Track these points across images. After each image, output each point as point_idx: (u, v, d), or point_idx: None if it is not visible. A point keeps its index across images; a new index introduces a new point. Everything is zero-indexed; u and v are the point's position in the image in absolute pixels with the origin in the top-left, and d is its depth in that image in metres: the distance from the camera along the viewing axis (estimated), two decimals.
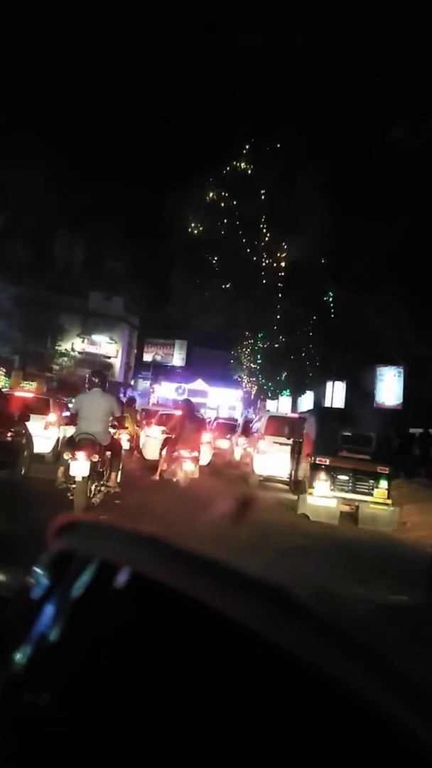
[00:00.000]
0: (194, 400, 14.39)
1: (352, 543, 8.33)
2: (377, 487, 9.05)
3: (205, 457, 13.37)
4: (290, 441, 11.39)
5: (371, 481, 9.08)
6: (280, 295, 17.50)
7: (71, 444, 6.68)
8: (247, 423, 18.17)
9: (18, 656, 0.53)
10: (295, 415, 14.68)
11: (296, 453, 10.39)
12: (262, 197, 16.65)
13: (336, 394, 20.65)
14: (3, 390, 11.43)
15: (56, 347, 36.93)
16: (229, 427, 22.35)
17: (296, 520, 9.19)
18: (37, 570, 0.60)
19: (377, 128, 15.52)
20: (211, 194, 16.94)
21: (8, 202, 25.41)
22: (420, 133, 14.38)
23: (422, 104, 14.74)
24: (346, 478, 9.08)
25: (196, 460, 10.23)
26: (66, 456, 6.49)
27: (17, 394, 12.12)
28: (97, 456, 6.47)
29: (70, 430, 7.66)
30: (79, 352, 39.02)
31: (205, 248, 17.73)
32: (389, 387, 18.23)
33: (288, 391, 23.82)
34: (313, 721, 0.42)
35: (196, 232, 17.61)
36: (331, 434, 9.43)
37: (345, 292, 17.54)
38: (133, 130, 52.10)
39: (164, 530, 0.55)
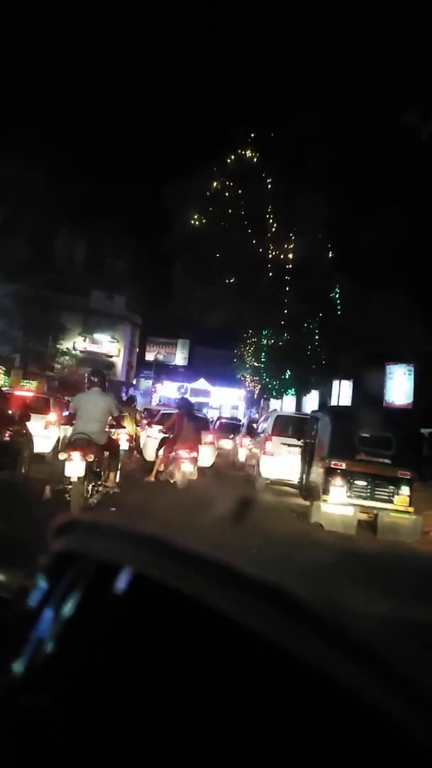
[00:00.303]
0: (196, 399, 13.62)
1: (373, 557, 7.42)
2: (398, 494, 8.12)
3: (208, 459, 12.63)
4: (300, 442, 10.46)
5: (391, 487, 8.15)
6: (287, 288, 16.53)
7: (68, 444, 6.53)
8: (252, 423, 17.41)
9: (18, 658, 0.52)
10: (305, 415, 13.76)
11: (308, 455, 9.45)
12: (269, 186, 15.71)
13: (342, 393, 19.80)
14: (2, 389, 10.91)
15: (57, 346, 36.17)
16: (231, 427, 21.66)
17: (309, 529, 8.27)
18: (37, 571, 0.59)
19: (389, 115, 14.59)
20: (215, 184, 16.02)
21: (8, 201, 24.89)
22: None
23: None
24: (364, 483, 8.15)
25: (194, 460, 9.60)
26: (61, 456, 6.31)
27: (17, 393, 11.80)
28: (93, 456, 6.28)
29: (68, 430, 7.29)
30: (81, 351, 38.31)
31: (209, 241, 16.82)
32: (399, 386, 17.31)
33: (293, 390, 22.88)
34: (313, 721, 0.42)
35: (198, 224, 16.68)
36: (347, 435, 8.50)
37: (353, 287, 16.63)
38: (133, 126, 51.48)
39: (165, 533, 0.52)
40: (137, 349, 46.38)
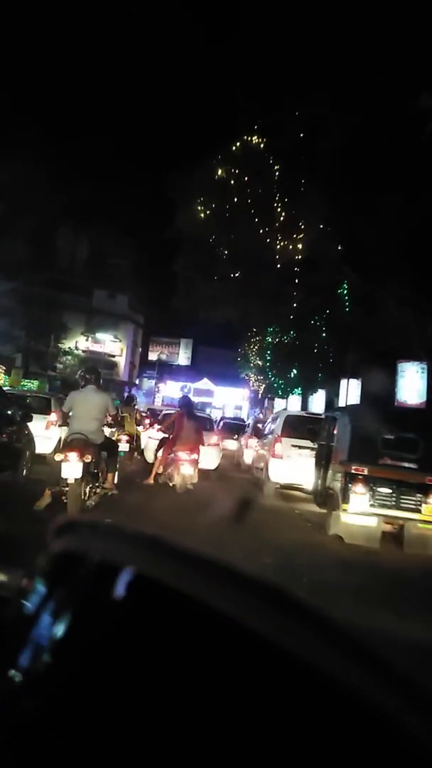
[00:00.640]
0: (200, 399, 12.73)
1: (399, 574, 6.44)
2: (426, 502, 7.12)
3: (213, 461, 11.75)
4: (314, 444, 9.47)
5: (419, 495, 7.14)
6: (297, 281, 15.53)
7: (64, 444, 6.30)
8: (257, 423, 16.48)
9: (18, 659, 0.51)
10: (317, 415, 12.77)
11: (323, 459, 8.46)
12: (275, 175, 14.71)
13: (351, 393, 18.83)
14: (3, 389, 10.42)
15: (59, 346, 35.33)
16: (235, 428, 20.74)
17: (327, 542, 7.29)
18: (37, 571, 0.58)
19: (401, 99, 13.63)
20: (219, 172, 15.03)
21: (11, 201, 24.35)
22: None
23: None
24: (389, 490, 7.15)
25: (194, 463, 8.95)
26: (57, 457, 6.04)
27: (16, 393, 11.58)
28: (90, 456, 6.01)
29: (63, 431, 7.00)
30: (83, 351, 37.49)
31: (213, 232, 15.85)
32: (411, 384, 16.30)
33: (300, 389, 21.89)
34: (313, 721, 0.42)
35: (203, 215, 15.69)
36: (369, 437, 7.51)
37: (362, 281, 15.67)
38: (135, 122, 50.71)
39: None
40: (140, 349, 45.59)
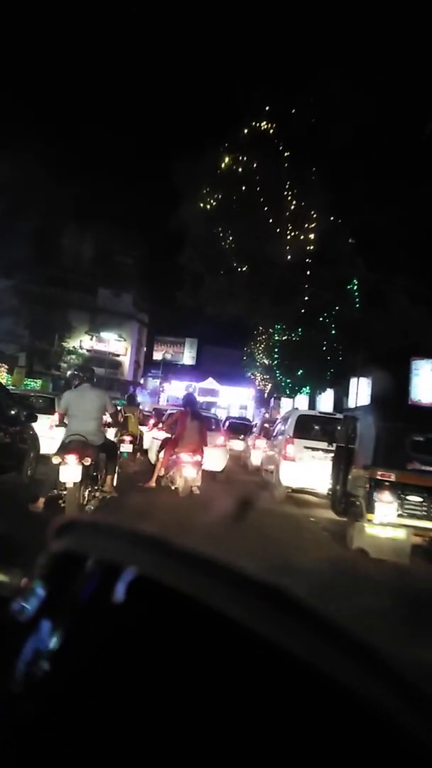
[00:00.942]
0: (205, 399, 11.87)
1: None
2: None
3: (220, 463, 10.91)
4: (329, 446, 8.58)
5: None
6: (308, 273, 14.61)
7: (62, 446, 5.82)
8: (265, 423, 15.60)
9: (18, 660, 0.50)
10: (330, 414, 11.88)
11: (342, 463, 7.57)
12: (285, 162, 13.81)
13: (360, 392, 17.93)
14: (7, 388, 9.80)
15: (63, 345, 34.56)
16: (241, 428, 19.86)
17: (350, 557, 6.40)
18: (38, 571, 0.57)
19: (416, 87, 12.74)
20: (227, 160, 14.15)
21: (16, 199, 23.78)
22: None
23: None
24: (420, 499, 6.26)
25: (198, 465, 8.31)
26: (55, 460, 5.64)
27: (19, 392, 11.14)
28: (89, 459, 5.66)
29: (60, 432, 6.38)
30: (88, 350, 36.79)
31: (221, 224, 14.97)
32: (426, 382, 15.42)
33: (308, 388, 20.98)
34: (313, 721, 0.41)
35: (209, 207, 14.81)
36: (396, 439, 6.63)
37: (375, 275, 14.77)
38: (138, 119, 49.83)
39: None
40: (144, 348, 44.81)
